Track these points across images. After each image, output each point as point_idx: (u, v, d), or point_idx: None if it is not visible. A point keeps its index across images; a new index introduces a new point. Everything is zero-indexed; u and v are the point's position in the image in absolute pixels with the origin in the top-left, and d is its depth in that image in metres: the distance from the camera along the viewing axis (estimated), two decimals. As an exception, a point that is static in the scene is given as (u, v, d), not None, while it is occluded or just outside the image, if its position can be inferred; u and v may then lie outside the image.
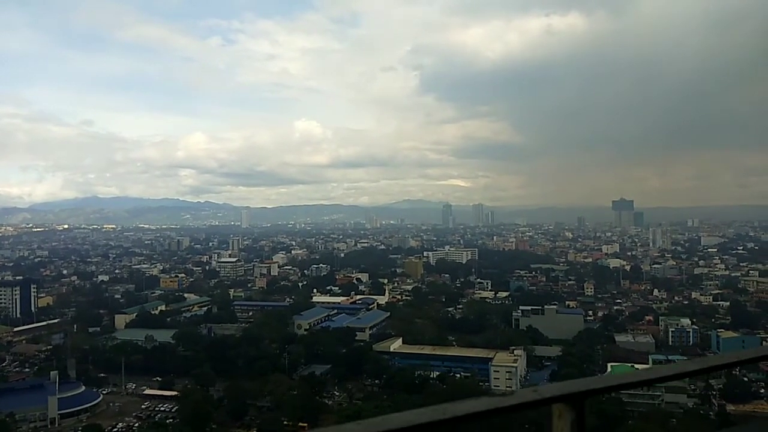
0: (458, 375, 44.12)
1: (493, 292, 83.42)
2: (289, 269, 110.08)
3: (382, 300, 78.35)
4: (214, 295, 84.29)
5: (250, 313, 70.49)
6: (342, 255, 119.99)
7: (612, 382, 1.74)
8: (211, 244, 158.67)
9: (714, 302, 71.00)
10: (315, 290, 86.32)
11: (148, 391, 43.78)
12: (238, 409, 37.56)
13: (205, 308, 73.77)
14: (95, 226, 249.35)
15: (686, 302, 73.98)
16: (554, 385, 1.64)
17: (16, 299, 74.97)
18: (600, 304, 74.96)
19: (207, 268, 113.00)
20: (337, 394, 41.94)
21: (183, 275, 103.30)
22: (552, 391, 1.59)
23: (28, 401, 38.72)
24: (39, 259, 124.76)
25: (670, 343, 55.58)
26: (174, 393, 41.14)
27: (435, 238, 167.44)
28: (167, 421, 36.48)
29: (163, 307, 75.11)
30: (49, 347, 55.09)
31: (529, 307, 64.66)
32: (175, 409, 38.33)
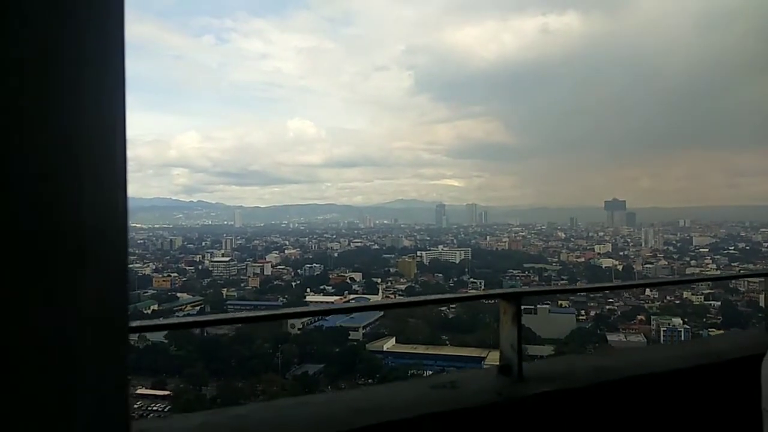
0: (451, 374, 44.18)
1: (486, 292, 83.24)
2: (283, 269, 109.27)
3: (376, 299, 77.79)
4: (207, 294, 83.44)
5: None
6: (335, 254, 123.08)
7: (543, 288, 2.88)
8: (204, 243, 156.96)
9: (705, 302, 70.80)
10: (308, 290, 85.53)
11: (140, 391, 43.46)
12: (231, 409, 37.47)
13: (198, 308, 72.99)
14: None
15: (678, 302, 73.82)
16: (499, 290, 2.49)
17: (7, 299, 74.03)
18: (592, 304, 74.68)
19: (200, 267, 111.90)
20: (330, 393, 41.94)
21: (175, 274, 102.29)
22: (497, 290, 2.43)
23: (20, 401, 38.42)
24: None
25: (662, 342, 55.53)
26: (166, 392, 40.90)
27: (428, 238, 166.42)
28: (160, 421, 36.49)
29: (155, 307, 74.28)
30: (40, 347, 54.63)
31: (522, 307, 64.53)
32: (167, 408, 38.16)
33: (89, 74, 0.46)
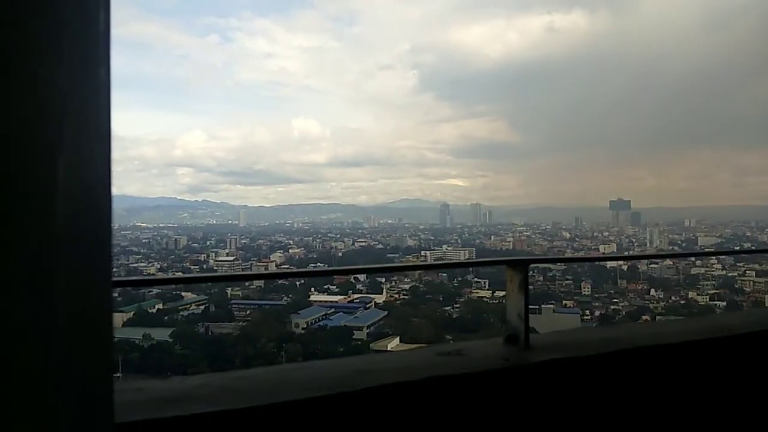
0: (455, 374, 44.18)
1: (491, 291, 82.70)
2: (287, 268, 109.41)
3: (380, 299, 77.53)
4: (212, 293, 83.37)
5: (248, 312, 69.63)
6: (340, 254, 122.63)
7: (550, 256, 2.91)
8: (208, 242, 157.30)
9: (711, 302, 70.35)
10: (312, 289, 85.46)
11: (145, 390, 43.55)
12: (236, 408, 37.51)
13: (203, 307, 72.85)
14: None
15: (683, 302, 73.39)
16: (506, 257, 2.44)
17: (12, 297, 74.22)
18: (597, 304, 74.23)
19: (204, 266, 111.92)
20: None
21: (180, 274, 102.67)
22: (504, 258, 2.46)
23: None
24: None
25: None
26: (171, 391, 41.03)
27: (433, 238, 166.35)
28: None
29: (160, 306, 74.19)
30: (46, 345, 54.81)
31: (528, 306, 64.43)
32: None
33: (72, 72, 0.46)
